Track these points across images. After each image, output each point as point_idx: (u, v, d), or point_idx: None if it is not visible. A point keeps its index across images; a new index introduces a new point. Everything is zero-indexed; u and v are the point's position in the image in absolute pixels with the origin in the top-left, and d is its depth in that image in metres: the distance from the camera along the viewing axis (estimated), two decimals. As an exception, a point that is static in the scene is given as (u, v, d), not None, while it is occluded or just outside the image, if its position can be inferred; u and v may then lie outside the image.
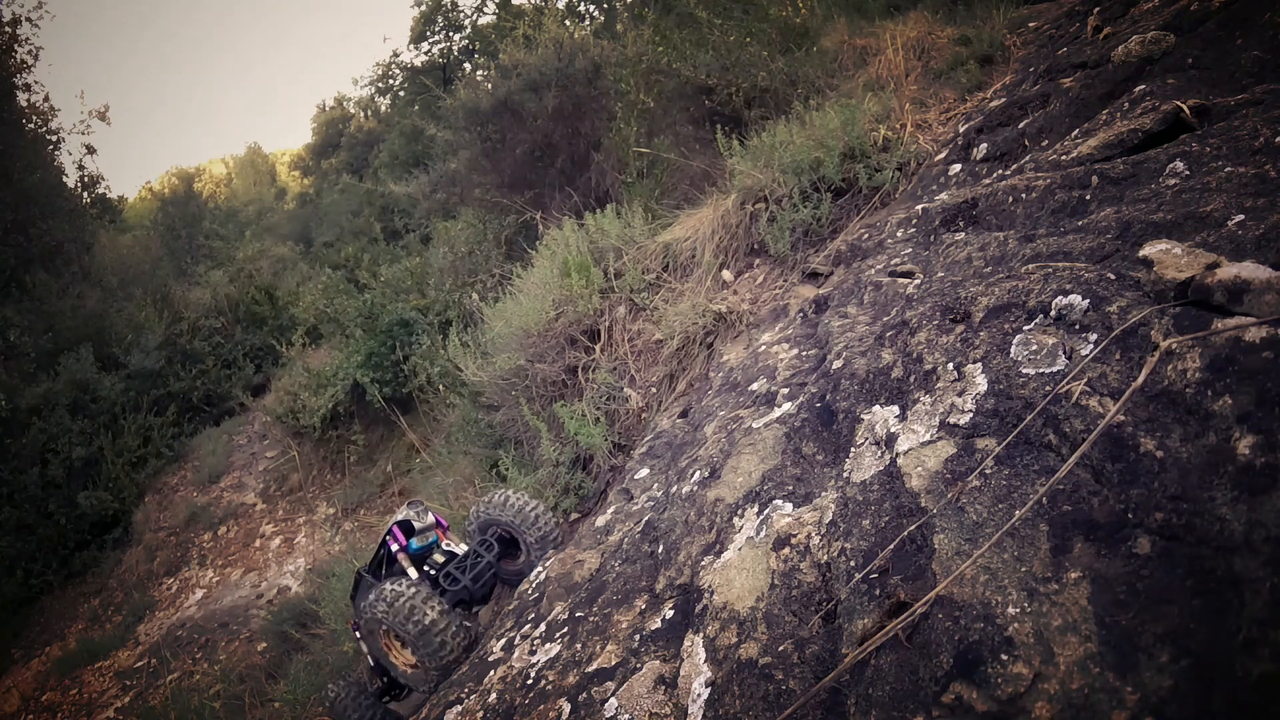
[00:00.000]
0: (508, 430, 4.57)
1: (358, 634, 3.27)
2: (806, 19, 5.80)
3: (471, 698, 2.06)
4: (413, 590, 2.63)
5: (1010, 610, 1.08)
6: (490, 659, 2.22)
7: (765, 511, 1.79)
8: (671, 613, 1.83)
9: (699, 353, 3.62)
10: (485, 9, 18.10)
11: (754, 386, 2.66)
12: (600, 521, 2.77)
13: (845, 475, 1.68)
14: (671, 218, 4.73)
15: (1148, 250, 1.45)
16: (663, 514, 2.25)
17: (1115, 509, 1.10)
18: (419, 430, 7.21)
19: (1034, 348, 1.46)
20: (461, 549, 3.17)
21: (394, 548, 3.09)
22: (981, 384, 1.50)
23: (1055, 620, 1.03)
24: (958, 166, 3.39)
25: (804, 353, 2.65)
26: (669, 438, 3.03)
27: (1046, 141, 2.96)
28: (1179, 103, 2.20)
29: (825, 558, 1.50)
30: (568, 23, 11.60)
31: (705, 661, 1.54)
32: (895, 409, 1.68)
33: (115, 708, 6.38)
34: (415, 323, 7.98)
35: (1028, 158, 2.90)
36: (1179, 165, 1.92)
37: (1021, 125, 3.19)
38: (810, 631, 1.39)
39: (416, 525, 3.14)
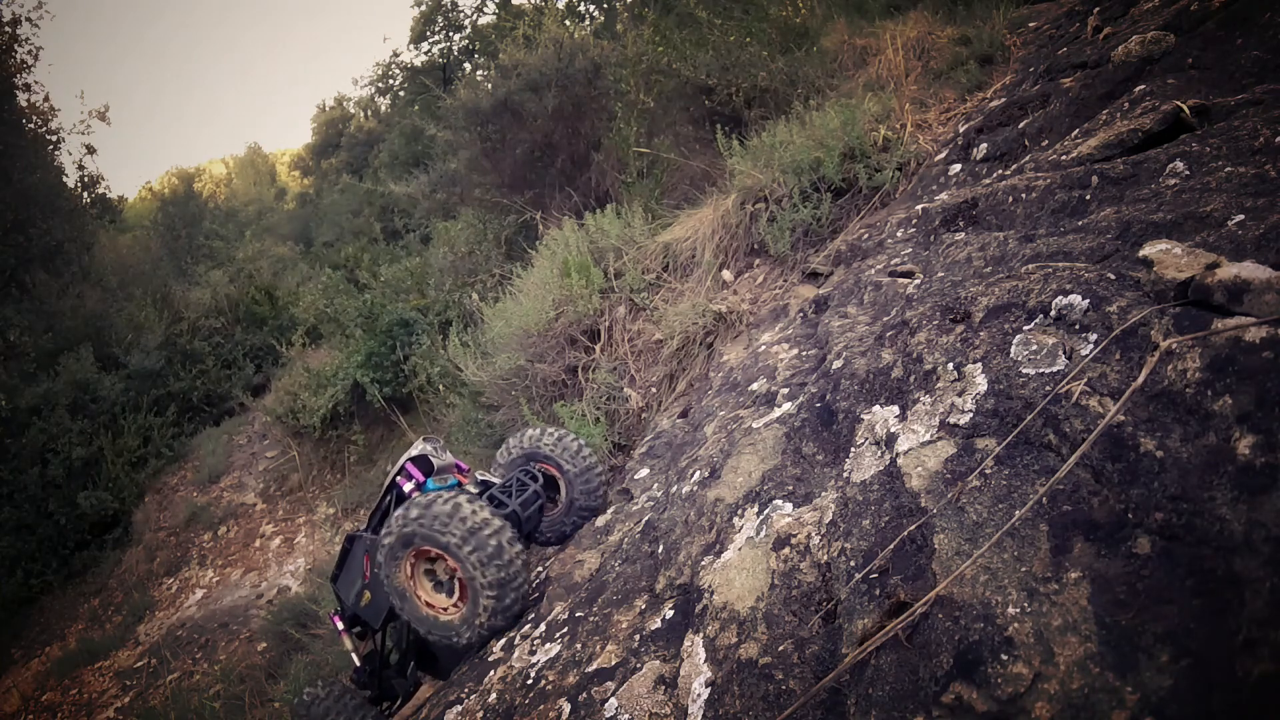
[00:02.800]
0: (508, 430, 4.57)
1: (341, 626, 2.79)
2: (806, 19, 5.81)
3: (471, 698, 2.06)
4: (474, 501, 2.12)
5: (1010, 610, 1.08)
6: (490, 659, 2.22)
7: (765, 511, 1.79)
8: (671, 613, 1.83)
9: (699, 353, 3.62)
10: (485, 9, 18.10)
11: (754, 386, 2.66)
12: (600, 521, 2.77)
13: (845, 475, 1.68)
14: (671, 218, 4.73)
15: (1148, 250, 1.45)
16: (663, 514, 2.25)
17: (1115, 509, 1.10)
18: (419, 430, 7.20)
19: (1034, 348, 1.46)
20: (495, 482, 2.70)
21: (407, 488, 2.55)
22: (981, 384, 1.49)
23: (1055, 620, 1.03)
24: (958, 166, 3.39)
25: (804, 353, 2.65)
26: (669, 438, 3.03)
27: (1046, 141, 2.96)
28: (1179, 103, 2.20)
29: (825, 558, 1.50)
30: (568, 23, 11.59)
31: (705, 661, 1.54)
32: (895, 409, 1.67)
33: (115, 708, 6.39)
34: (415, 323, 7.99)
35: (1028, 158, 2.89)
36: (1179, 165, 1.92)
37: (1021, 125, 3.19)
38: (810, 631, 1.39)
39: (435, 462, 2.60)
